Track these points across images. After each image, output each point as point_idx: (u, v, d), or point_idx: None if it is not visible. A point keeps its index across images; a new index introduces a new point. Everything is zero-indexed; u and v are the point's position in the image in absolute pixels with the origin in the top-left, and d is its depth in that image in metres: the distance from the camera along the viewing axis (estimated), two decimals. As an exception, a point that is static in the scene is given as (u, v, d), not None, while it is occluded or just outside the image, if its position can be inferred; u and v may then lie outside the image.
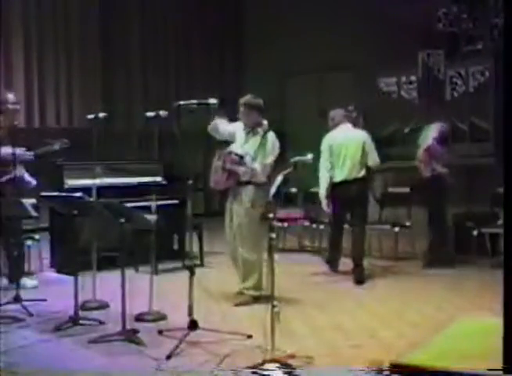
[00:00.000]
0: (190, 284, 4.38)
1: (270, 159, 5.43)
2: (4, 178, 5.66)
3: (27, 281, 6.00)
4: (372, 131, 7.11)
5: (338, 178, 6.52)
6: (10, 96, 5.99)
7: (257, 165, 5.39)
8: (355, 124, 6.78)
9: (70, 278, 5.32)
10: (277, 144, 5.52)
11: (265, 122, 5.55)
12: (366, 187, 6.73)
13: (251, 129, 5.56)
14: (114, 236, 5.19)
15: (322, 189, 6.57)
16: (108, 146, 7.01)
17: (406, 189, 7.80)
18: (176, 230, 7.44)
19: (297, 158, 6.01)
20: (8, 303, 5.09)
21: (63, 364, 3.92)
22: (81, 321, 4.71)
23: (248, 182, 5.43)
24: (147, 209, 5.03)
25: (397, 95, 10.55)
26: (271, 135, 5.49)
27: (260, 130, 5.51)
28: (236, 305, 5.34)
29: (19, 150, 5.69)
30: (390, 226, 7.47)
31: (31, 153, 5.77)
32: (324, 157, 6.58)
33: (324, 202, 6.56)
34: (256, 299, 5.35)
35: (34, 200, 6.05)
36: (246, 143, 5.54)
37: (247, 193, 5.43)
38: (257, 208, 5.38)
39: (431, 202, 7.07)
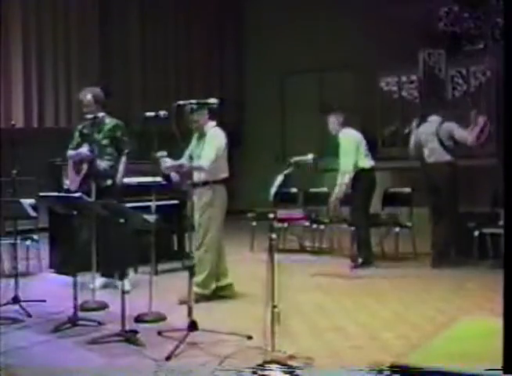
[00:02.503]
0: (190, 285, 4.37)
1: (213, 153, 5.35)
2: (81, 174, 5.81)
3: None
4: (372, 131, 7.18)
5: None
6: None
7: (202, 162, 5.36)
8: None
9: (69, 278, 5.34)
10: (218, 138, 5.45)
11: (213, 122, 5.53)
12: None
13: (201, 132, 5.54)
14: (113, 237, 5.19)
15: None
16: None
17: (407, 190, 7.78)
18: (176, 231, 7.43)
19: (297, 158, 6.00)
20: (7, 304, 5.07)
21: (62, 365, 3.90)
22: (80, 322, 4.69)
23: (205, 183, 5.41)
24: (147, 209, 5.01)
25: (398, 95, 10.53)
26: (213, 131, 5.47)
27: (209, 130, 5.50)
28: (181, 302, 5.14)
29: (80, 150, 5.84)
30: (391, 227, 7.47)
31: (86, 152, 5.79)
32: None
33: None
34: (204, 298, 5.34)
35: (32, 201, 6.04)
36: (196, 148, 5.51)
37: (205, 192, 5.43)
38: (215, 207, 5.44)
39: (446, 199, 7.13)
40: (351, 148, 7.00)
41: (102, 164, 5.84)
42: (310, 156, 6.01)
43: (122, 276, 5.61)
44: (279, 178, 5.68)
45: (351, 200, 7.10)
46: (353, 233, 7.29)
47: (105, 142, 5.88)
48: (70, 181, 6.03)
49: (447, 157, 7.03)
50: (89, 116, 5.74)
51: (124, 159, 5.99)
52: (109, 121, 5.96)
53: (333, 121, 7.16)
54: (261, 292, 3.93)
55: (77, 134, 6.02)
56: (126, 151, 5.95)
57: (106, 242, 5.52)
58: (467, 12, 9.96)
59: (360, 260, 7.04)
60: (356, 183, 6.96)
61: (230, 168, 5.62)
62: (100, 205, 4.66)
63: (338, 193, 6.97)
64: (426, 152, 7.17)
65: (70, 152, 5.97)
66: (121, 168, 5.97)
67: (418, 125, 7.40)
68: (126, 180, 7.07)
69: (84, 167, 5.83)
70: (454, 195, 7.07)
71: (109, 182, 5.85)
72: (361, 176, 6.98)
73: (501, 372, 2.82)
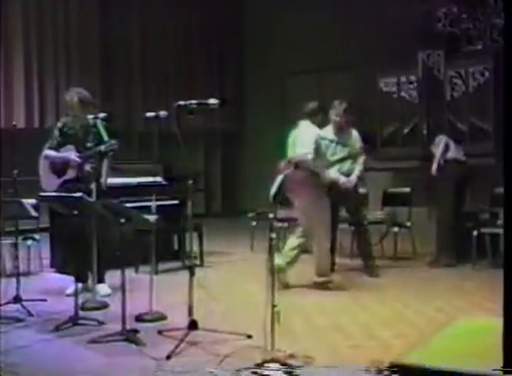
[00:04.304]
0: (190, 284, 4.38)
1: None
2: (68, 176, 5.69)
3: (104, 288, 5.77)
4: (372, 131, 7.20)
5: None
6: None
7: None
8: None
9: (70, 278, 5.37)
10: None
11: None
12: None
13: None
14: (114, 237, 5.20)
15: None
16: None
17: (406, 189, 7.80)
18: (176, 230, 7.44)
19: (296, 158, 6.02)
20: (8, 303, 5.09)
21: (63, 364, 3.92)
22: (80, 321, 4.70)
23: None
24: (147, 209, 5.03)
25: (397, 96, 10.55)
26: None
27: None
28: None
29: (66, 154, 5.68)
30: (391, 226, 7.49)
31: (74, 157, 5.62)
32: None
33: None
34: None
35: (33, 201, 6.06)
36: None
37: None
38: None
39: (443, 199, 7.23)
40: None
41: (87, 167, 5.64)
42: (309, 156, 6.04)
43: (100, 280, 5.66)
44: (279, 178, 5.70)
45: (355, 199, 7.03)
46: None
47: (90, 144, 5.65)
48: (46, 182, 5.80)
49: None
50: (90, 116, 5.67)
51: (107, 162, 5.76)
52: (95, 123, 5.68)
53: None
54: (261, 291, 3.95)
55: (57, 133, 5.79)
56: (110, 154, 5.71)
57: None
58: (466, 13, 9.97)
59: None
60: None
61: (230, 168, 5.67)
62: (102, 205, 4.67)
63: None
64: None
65: (50, 152, 5.75)
66: (105, 170, 5.77)
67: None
68: (127, 180, 7.13)
69: (70, 171, 5.67)
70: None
71: (92, 185, 5.45)
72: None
73: (501, 372, 2.83)
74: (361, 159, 6.72)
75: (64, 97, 5.93)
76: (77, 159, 5.61)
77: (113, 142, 5.52)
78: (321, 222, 5.87)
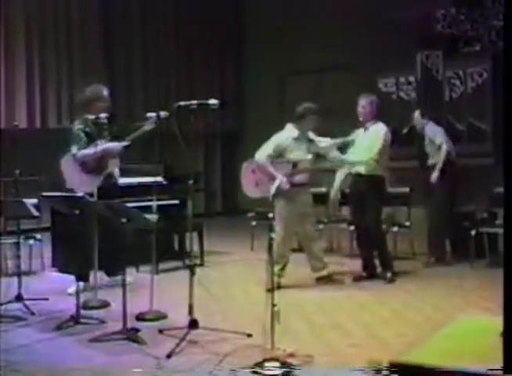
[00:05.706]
0: (190, 284, 4.42)
1: None
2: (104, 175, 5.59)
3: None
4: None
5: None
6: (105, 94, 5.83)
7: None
8: None
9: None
10: None
11: None
12: None
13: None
14: (115, 236, 5.23)
15: None
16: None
17: (406, 189, 7.82)
18: (177, 230, 7.47)
19: (296, 158, 6.06)
20: (10, 302, 5.12)
21: (64, 363, 3.94)
22: (82, 320, 4.74)
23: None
24: (148, 209, 5.06)
25: (396, 96, 10.58)
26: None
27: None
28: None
29: (110, 144, 5.62)
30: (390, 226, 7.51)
31: (120, 144, 5.58)
32: None
33: None
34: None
35: (35, 200, 6.08)
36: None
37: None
38: None
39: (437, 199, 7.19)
40: None
41: None
42: (309, 156, 6.07)
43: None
44: (279, 179, 5.73)
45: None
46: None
47: (105, 141, 5.67)
48: (78, 182, 5.59)
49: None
50: (103, 115, 5.60)
51: (118, 159, 5.80)
52: (109, 121, 5.71)
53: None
54: (261, 291, 3.98)
55: (82, 134, 5.69)
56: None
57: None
58: (464, 15, 10.00)
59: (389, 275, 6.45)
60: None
61: (230, 168, 5.69)
62: (103, 205, 4.70)
63: None
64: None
65: (86, 151, 5.61)
66: (117, 168, 5.85)
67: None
68: (127, 180, 7.15)
69: (114, 162, 5.60)
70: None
71: (112, 181, 5.59)
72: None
73: (500, 372, 2.85)
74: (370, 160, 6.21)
75: (90, 91, 5.81)
76: (124, 143, 5.56)
77: (154, 115, 5.15)
78: (277, 213, 5.88)
